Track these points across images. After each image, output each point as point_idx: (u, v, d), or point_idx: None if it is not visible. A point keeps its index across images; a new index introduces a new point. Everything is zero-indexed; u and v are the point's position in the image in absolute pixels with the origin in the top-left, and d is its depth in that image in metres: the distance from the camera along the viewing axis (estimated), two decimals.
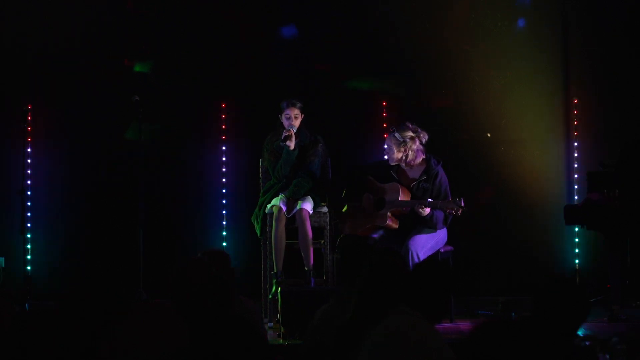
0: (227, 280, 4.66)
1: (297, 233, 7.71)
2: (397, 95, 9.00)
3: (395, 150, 7.61)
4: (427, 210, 7.38)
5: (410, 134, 7.60)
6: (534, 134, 9.02)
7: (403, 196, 7.54)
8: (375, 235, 7.59)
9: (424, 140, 7.64)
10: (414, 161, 7.62)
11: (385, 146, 7.68)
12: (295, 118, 7.84)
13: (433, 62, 8.98)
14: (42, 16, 8.98)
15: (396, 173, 7.70)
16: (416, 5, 9.01)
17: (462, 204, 7.27)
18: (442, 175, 7.62)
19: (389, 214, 7.57)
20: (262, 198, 7.94)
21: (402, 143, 7.58)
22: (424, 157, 7.66)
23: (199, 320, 3.95)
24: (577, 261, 8.83)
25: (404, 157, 7.61)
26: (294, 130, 7.81)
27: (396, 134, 7.59)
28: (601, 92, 8.97)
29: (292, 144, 7.79)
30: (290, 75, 8.98)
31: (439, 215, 7.47)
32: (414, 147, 7.60)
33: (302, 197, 7.81)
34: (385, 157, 7.70)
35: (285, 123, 7.85)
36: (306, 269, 7.67)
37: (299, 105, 7.86)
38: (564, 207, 7.83)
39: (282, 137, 7.77)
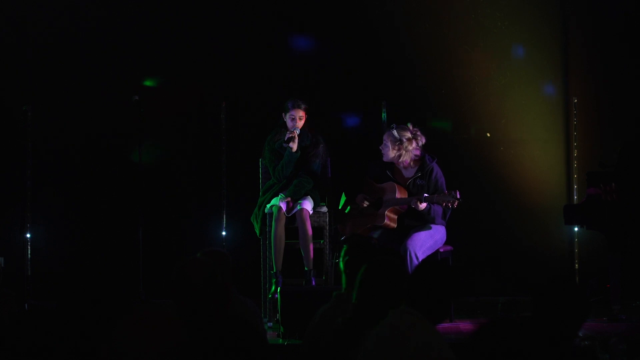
0: (226, 280, 4.66)
1: (296, 233, 7.72)
2: (397, 95, 8.99)
3: (390, 147, 7.63)
4: (424, 205, 7.40)
5: (408, 134, 7.61)
6: (534, 133, 9.02)
7: (400, 194, 7.57)
8: (374, 235, 7.59)
9: (420, 144, 7.65)
10: (407, 163, 7.64)
11: (383, 142, 7.68)
12: (300, 119, 7.85)
13: (433, 62, 8.98)
14: (42, 15, 8.98)
15: (392, 172, 7.71)
16: (416, 6, 9.01)
17: (458, 196, 7.29)
18: (437, 171, 7.64)
19: (386, 213, 7.58)
20: (261, 198, 7.94)
21: (398, 142, 7.60)
22: (420, 154, 7.68)
23: (199, 320, 3.95)
24: (577, 261, 8.83)
25: (397, 157, 7.63)
26: (297, 132, 7.81)
27: (394, 132, 7.60)
28: (601, 92, 8.97)
29: (295, 146, 7.78)
30: (290, 74, 8.98)
31: (438, 209, 7.49)
32: (410, 147, 7.62)
33: (302, 197, 7.81)
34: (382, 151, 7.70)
35: (289, 124, 7.85)
36: (306, 268, 7.67)
37: (304, 106, 7.86)
38: (564, 207, 7.83)
39: (286, 139, 7.77)
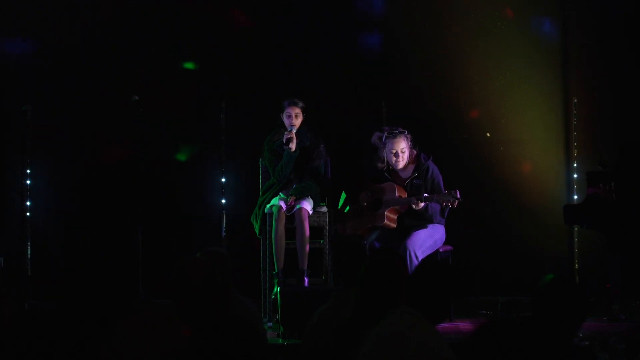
0: (226, 280, 4.66)
1: (295, 232, 7.73)
2: (397, 95, 8.99)
3: (407, 150, 7.66)
4: (422, 204, 7.41)
5: (399, 131, 7.67)
6: (534, 133, 9.02)
7: (399, 194, 7.59)
8: (374, 235, 7.60)
9: (409, 141, 7.70)
10: (404, 163, 7.68)
11: (398, 150, 7.64)
12: (296, 117, 7.86)
13: (433, 61, 8.99)
14: (42, 15, 8.98)
15: (389, 174, 7.72)
16: (416, 6, 9.01)
17: (458, 196, 7.30)
18: (433, 169, 7.66)
19: (386, 213, 7.59)
20: (261, 197, 7.95)
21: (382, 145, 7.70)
22: (415, 153, 7.71)
23: (199, 320, 3.95)
24: (577, 261, 8.83)
25: (393, 161, 7.67)
26: (294, 130, 7.82)
27: (405, 135, 7.63)
28: (601, 92, 8.97)
29: (293, 146, 7.80)
30: (290, 75, 8.99)
31: (435, 207, 7.51)
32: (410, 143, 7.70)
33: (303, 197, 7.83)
34: (399, 163, 7.67)
35: (286, 122, 7.87)
36: (301, 268, 7.67)
37: (300, 104, 7.88)
38: (563, 207, 7.83)
39: (284, 140, 7.78)
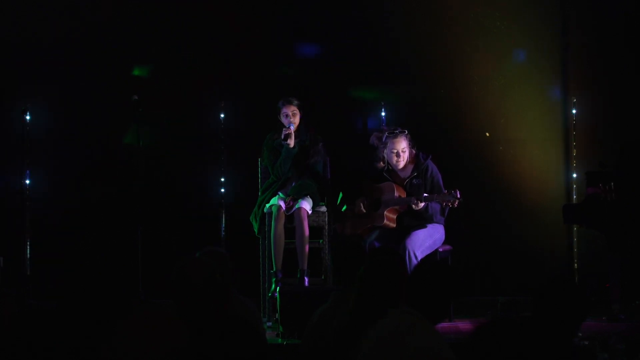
0: (225, 279, 4.65)
1: (294, 232, 7.73)
2: (396, 94, 8.99)
3: (407, 149, 7.66)
4: (422, 204, 7.41)
5: (400, 131, 7.68)
6: (533, 133, 9.02)
7: (398, 194, 7.59)
8: (373, 235, 7.60)
9: (408, 140, 7.70)
10: (404, 163, 7.68)
11: (399, 149, 7.64)
12: (293, 115, 7.87)
13: (432, 61, 8.98)
14: (41, 15, 8.98)
15: (388, 174, 7.73)
16: (416, 6, 9.01)
17: (459, 195, 7.29)
18: (432, 168, 7.66)
19: (385, 213, 7.59)
20: (260, 197, 7.96)
21: (382, 145, 7.69)
22: (414, 153, 7.71)
23: (198, 320, 3.95)
24: (576, 261, 8.83)
25: (394, 161, 7.67)
26: (293, 128, 7.83)
27: (405, 134, 7.63)
28: (600, 92, 8.97)
29: (292, 142, 7.81)
30: (290, 75, 8.99)
31: (435, 206, 7.50)
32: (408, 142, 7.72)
33: (302, 196, 7.82)
34: (400, 162, 7.67)
35: (285, 121, 7.89)
36: (300, 268, 7.68)
37: (295, 102, 7.89)
38: (563, 206, 7.84)
39: (283, 137, 7.80)
